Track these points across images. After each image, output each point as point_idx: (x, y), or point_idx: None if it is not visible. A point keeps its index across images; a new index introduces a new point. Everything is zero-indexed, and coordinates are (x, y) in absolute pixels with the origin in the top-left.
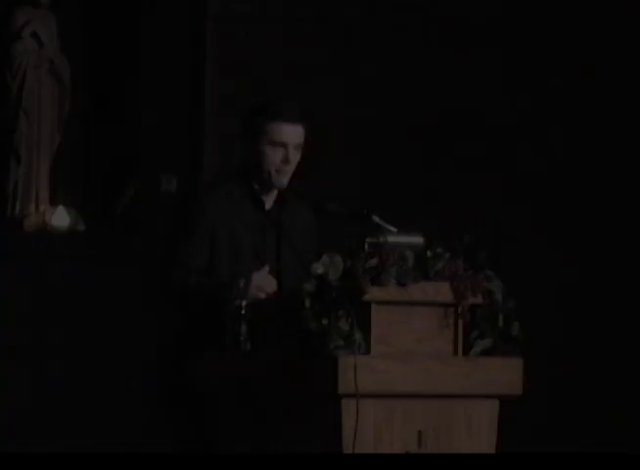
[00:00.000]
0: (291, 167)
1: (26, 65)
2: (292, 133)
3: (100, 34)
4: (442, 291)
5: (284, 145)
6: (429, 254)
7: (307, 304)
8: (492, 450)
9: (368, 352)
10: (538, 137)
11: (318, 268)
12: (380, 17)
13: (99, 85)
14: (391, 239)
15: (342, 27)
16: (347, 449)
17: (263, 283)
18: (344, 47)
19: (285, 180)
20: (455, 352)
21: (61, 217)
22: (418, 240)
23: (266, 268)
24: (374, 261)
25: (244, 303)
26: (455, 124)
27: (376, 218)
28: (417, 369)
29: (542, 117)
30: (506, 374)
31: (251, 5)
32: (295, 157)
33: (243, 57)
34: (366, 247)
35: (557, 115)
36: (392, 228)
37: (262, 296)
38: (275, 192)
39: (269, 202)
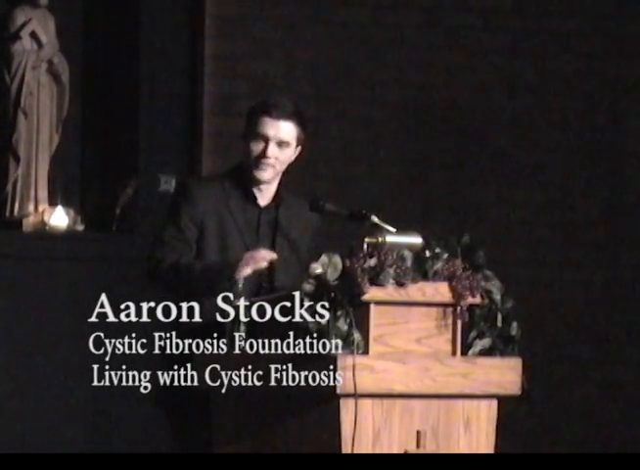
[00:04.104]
0: (270, 162)
1: (25, 65)
2: (273, 127)
3: (99, 34)
4: (441, 291)
5: (264, 138)
6: (427, 254)
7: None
8: (491, 451)
9: (366, 351)
10: (539, 136)
11: (317, 268)
12: (380, 16)
13: (98, 85)
14: (390, 239)
15: (343, 27)
16: (346, 449)
17: (256, 254)
18: (345, 47)
19: (265, 174)
20: (454, 352)
21: (59, 218)
22: (416, 240)
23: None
24: (372, 261)
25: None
26: (455, 123)
27: (374, 218)
28: (416, 369)
29: (543, 116)
30: (505, 374)
31: (250, 5)
32: (274, 152)
33: (242, 57)
34: (365, 247)
35: (557, 114)
36: (391, 228)
37: (264, 264)
38: (272, 189)
39: (265, 199)
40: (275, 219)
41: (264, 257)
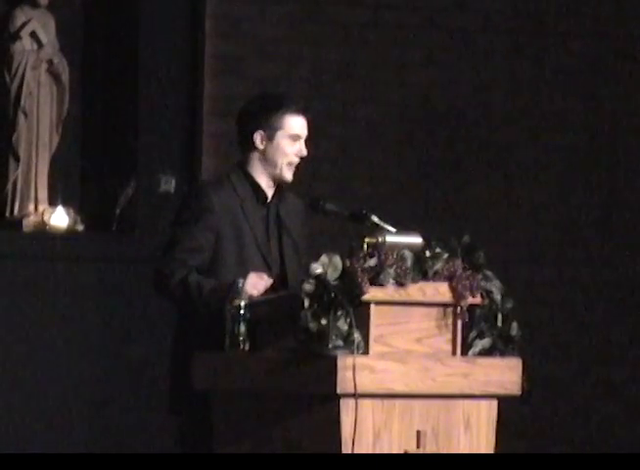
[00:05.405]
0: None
1: (25, 65)
2: (304, 127)
3: (98, 35)
4: (441, 291)
5: (299, 139)
6: (427, 254)
7: (306, 303)
8: (491, 450)
9: (367, 352)
10: (538, 136)
11: (317, 268)
12: (380, 16)
13: (97, 85)
14: (390, 239)
15: (342, 27)
16: (346, 449)
17: (257, 282)
18: (345, 47)
19: (292, 173)
20: (454, 352)
21: (59, 217)
22: (417, 240)
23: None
24: (373, 261)
25: (243, 302)
26: (455, 124)
27: (374, 218)
28: (416, 369)
29: (543, 116)
30: (505, 374)
31: (250, 5)
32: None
33: (242, 57)
34: (365, 247)
35: (557, 114)
36: (391, 228)
37: (255, 293)
38: (274, 187)
39: (269, 197)
40: (278, 217)
41: (267, 283)
